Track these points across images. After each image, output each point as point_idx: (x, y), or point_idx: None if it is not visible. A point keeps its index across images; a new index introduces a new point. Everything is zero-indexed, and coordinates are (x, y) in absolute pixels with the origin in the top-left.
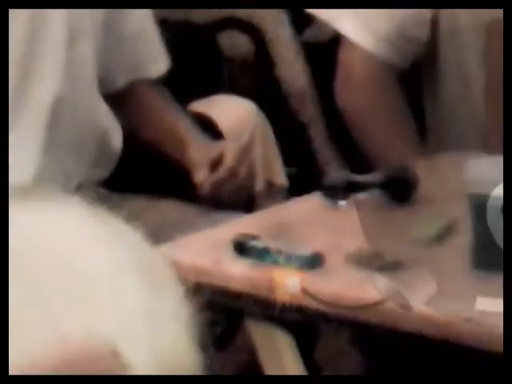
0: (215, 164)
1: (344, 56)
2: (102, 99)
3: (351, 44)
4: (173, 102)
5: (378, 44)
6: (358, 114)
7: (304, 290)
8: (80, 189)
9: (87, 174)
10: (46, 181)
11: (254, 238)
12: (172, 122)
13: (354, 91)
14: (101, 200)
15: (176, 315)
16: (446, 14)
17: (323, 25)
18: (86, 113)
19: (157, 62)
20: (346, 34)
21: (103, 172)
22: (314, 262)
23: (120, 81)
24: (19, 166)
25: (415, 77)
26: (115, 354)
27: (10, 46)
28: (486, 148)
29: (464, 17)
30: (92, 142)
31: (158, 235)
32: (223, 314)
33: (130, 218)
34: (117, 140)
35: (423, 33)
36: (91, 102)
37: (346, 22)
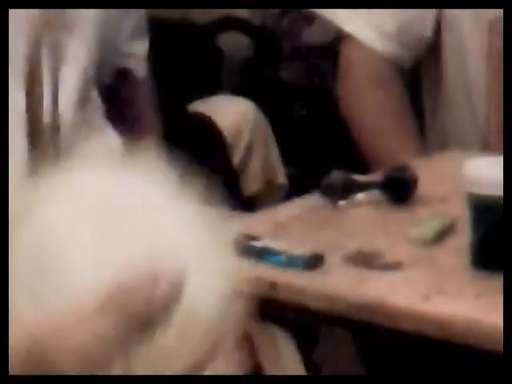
0: None
1: (347, 54)
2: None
3: (354, 42)
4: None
5: (384, 41)
6: (360, 113)
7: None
8: None
9: None
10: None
11: (254, 238)
12: (145, 121)
13: (357, 90)
14: None
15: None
16: (449, 12)
17: (323, 25)
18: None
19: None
20: (351, 32)
21: None
22: (313, 262)
23: (107, 74)
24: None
25: (415, 76)
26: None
27: None
28: (486, 148)
29: (466, 15)
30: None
31: None
32: None
33: None
34: (117, 146)
35: (427, 30)
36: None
37: (350, 20)
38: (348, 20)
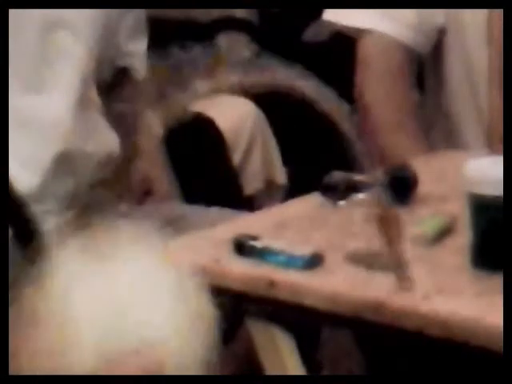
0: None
1: (364, 48)
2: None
3: (372, 36)
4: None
5: (404, 29)
6: (375, 103)
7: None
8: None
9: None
10: (55, 186)
11: (254, 238)
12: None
13: (376, 80)
14: (99, 200)
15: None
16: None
17: (323, 24)
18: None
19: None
20: (369, 28)
21: (105, 174)
22: (313, 261)
23: (106, 72)
24: (30, 169)
25: (417, 74)
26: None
27: None
28: (490, 145)
29: (468, 13)
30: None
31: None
32: (223, 314)
33: (130, 216)
34: (115, 145)
35: (440, 17)
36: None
37: (366, 17)
38: (363, 17)
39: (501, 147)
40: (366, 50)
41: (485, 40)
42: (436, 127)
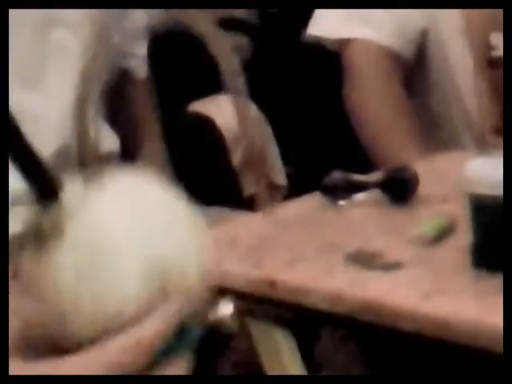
0: None
1: (350, 56)
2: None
3: (357, 42)
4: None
5: (387, 36)
6: (366, 107)
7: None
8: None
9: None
10: None
11: None
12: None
13: (364, 84)
14: None
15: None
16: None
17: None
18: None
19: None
20: (354, 37)
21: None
22: None
23: (107, 72)
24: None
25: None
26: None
27: None
28: (480, 143)
29: (439, 14)
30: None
31: None
32: None
33: None
34: (114, 145)
35: (420, 20)
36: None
37: (348, 26)
38: (345, 27)
39: (491, 137)
40: (353, 58)
41: (462, 35)
42: (428, 130)
